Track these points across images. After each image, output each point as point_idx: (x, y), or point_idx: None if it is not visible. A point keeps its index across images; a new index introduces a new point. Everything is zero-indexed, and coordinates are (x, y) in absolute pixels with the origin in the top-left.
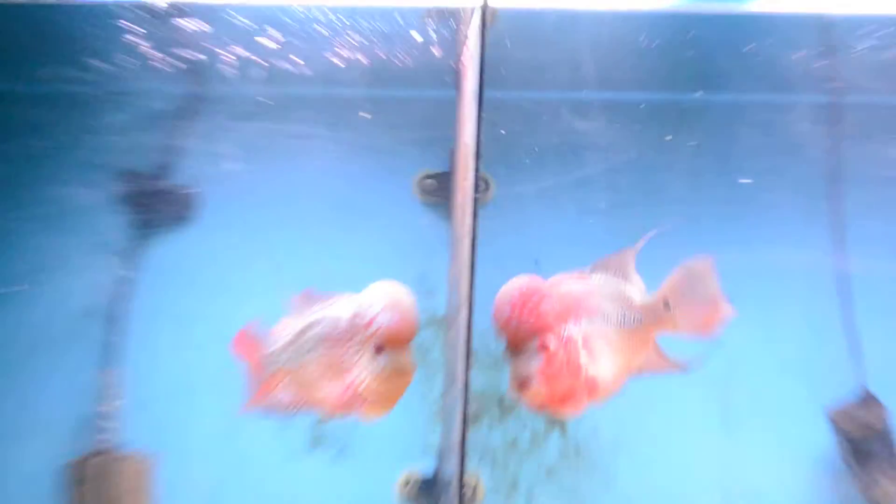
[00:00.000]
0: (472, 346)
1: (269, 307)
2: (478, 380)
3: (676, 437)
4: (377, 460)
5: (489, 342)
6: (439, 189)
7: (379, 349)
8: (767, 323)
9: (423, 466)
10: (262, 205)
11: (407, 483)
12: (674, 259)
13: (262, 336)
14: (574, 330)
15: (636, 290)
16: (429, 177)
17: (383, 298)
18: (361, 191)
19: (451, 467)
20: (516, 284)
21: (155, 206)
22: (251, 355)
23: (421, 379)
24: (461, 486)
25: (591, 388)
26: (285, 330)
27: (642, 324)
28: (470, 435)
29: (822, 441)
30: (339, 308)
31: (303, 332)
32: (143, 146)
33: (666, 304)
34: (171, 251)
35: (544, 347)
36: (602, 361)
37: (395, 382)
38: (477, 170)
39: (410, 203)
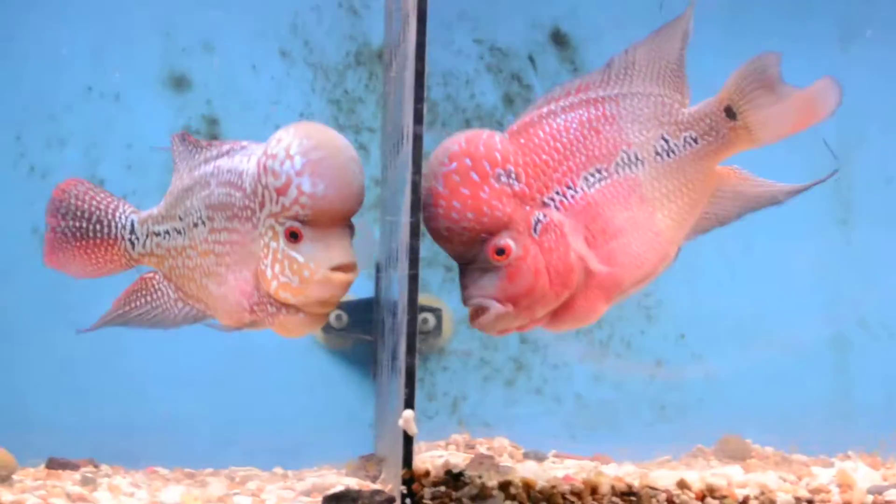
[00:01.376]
0: None
1: None
2: None
3: None
4: None
5: None
6: None
7: (295, 232)
8: None
9: None
10: None
11: None
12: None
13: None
14: (560, 202)
15: (679, 99)
16: None
17: (305, 150)
18: None
19: None
20: (457, 139)
21: None
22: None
23: None
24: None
25: (604, 284)
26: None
27: (698, 146)
28: None
29: None
30: (239, 160)
31: (184, 194)
32: None
33: (729, 112)
34: None
35: (500, 252)
36: (625, 235)
37: (321, 287)
38: None
39: None
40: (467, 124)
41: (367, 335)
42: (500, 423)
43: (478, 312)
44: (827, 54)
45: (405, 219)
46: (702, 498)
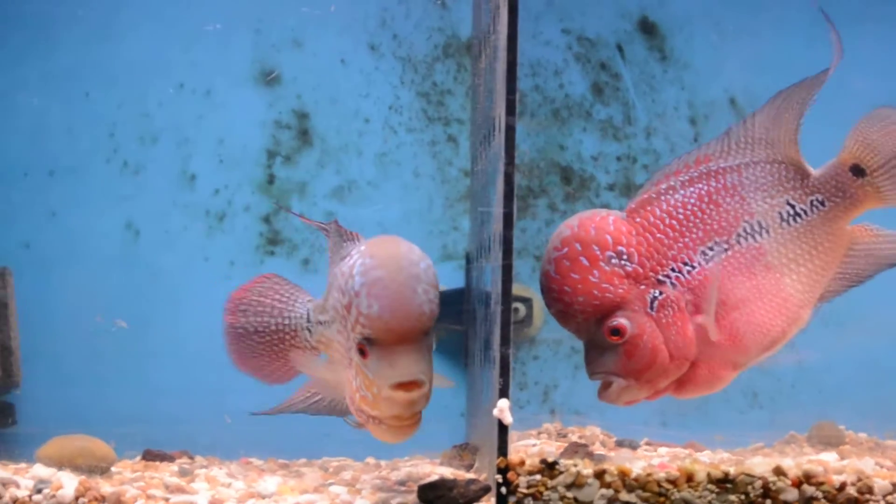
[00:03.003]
0: None
1: None
2: None
3: None
4: None
5: None
6: None
7: (362, 349)
8: None
9: None
10: None
11: None
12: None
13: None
14: (676, 278)
15: (799, 163)
16: None
17: (366, 269)
18: None
19: None
20: (571, 222)
21: None
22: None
23: None
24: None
25: (727, 354)
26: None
27: (827, 209)
28: None
29: None
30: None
31: (329, 288)
32: None
33: (856, 170)
34: None
35: (614, 332)
36: (749, 304)
37: (387, 404)
38: None
39: None
40: (556, 114)
41: (458, 325)
42: (591, 412)
43: (604, 386)
44: None
45: (498, 209)
46: (798, 485)
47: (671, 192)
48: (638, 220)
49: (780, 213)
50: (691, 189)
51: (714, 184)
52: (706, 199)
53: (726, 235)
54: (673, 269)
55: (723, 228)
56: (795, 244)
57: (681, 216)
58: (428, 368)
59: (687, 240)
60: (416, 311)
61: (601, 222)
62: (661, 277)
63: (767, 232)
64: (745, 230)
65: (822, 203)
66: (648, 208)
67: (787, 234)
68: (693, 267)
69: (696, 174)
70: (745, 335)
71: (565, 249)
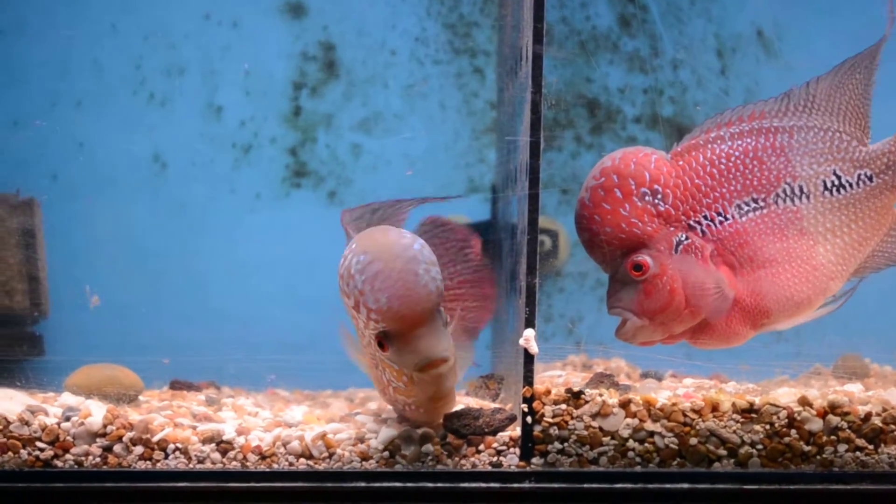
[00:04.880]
0: None
1: None
2: None
3: None
4: None
5: None
6: None
7: (381, 342)
8: None
9: None
10: None
11: None
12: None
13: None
14: (707, 226)
15: (858, 135)
16: None
17: (362, 267)
18: None
19: None
20: (614, 154)
21: None
22: None
23: None
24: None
25: (746, 309)
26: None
27: (874, 185)
28: None
29: None
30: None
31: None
32: None
33: None
34: None
35: (637, 268)
36: (776, 265)
37: (422, 386)
38: None
39: None
40: (582, 46)
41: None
42: (616, 345)
43: (622, 324)
44: None
45: (524, 138)
46: (823, 415)
47: (719, 141)
48: (681, 163)
49: (824, 182)
50: (739, 142)
51: (763, 141)
52: (751, 155)
53: (765, 194)
54: (705, 217)
55: (762, 186)
56: (835, 215)
57: (722, 167)
58: (449, 343)
59: (724, 191)
60: (423, 293)
61: (643, 159)
62: (692, 223)
63: (808, 198)
64: (784, 192)
65: (870, 178)
66: (693, 153)
67: (829, 203)
68: (726, 218)
69: (747, 128)
70: (767, 295)
71: (602, 179)
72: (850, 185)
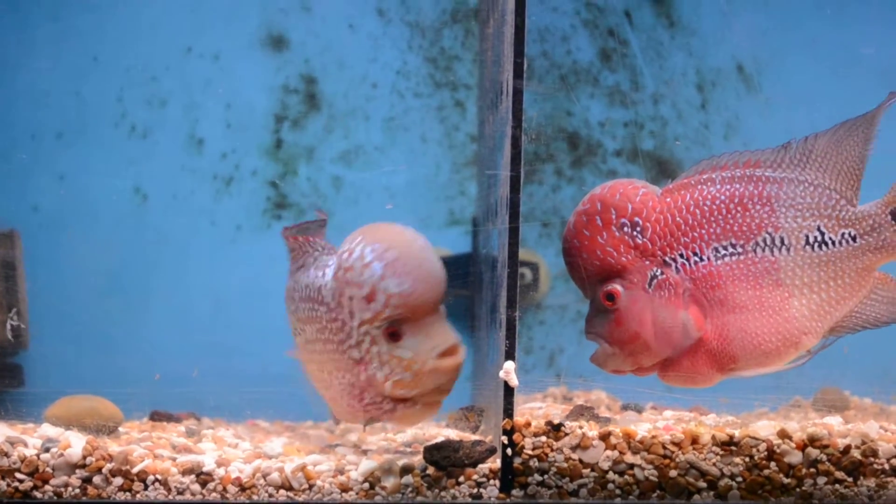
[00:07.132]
0: None
1: None
2: None
3: None
4: None
5: None
6: None
7: (394, 332)
8: None
9: None
10: None
11: None
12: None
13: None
14: (682, 264)
15: (848, 195)
16: None
17: (380, 253)
18: None
19: None
20: (606, 184)
21: None
22: None
23: None
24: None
25: (712, 352)
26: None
27: (857, 245)
28: None
29: None
30: (314, 275)
31: (291, 297)
32: None
33: (895, 216)
34: None
35: (608, 297)
36: (746, 312)
37: (434, 376)
38: None
39: None
40: (563, 80)
41: (464, 290)
42: (596, 377)
43: (596, 350)
44: None
45: (505, 172)
46: (803, 448)
47: (709, 183)
48: (668, 199)
49: (807, 236)
50: (727, 186)
51: (751, 188)
52: (736, 200)
53: (744, 240)
54: (681, 255)
55: (742, 233)
56: (814, 270)
57: (705, 208)
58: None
59: (703, 231)
60: (441, 277)
61: (630, 191)
62: (667, 259)
63: (788, 250)
64: (765, 241)
65: (854, 238)
66: (681, 192)
67: (809, 258)
68: (701, 259)
69: (738, 174)
70: (734, 340)
71: (587, 206)
72: (833, 242)
